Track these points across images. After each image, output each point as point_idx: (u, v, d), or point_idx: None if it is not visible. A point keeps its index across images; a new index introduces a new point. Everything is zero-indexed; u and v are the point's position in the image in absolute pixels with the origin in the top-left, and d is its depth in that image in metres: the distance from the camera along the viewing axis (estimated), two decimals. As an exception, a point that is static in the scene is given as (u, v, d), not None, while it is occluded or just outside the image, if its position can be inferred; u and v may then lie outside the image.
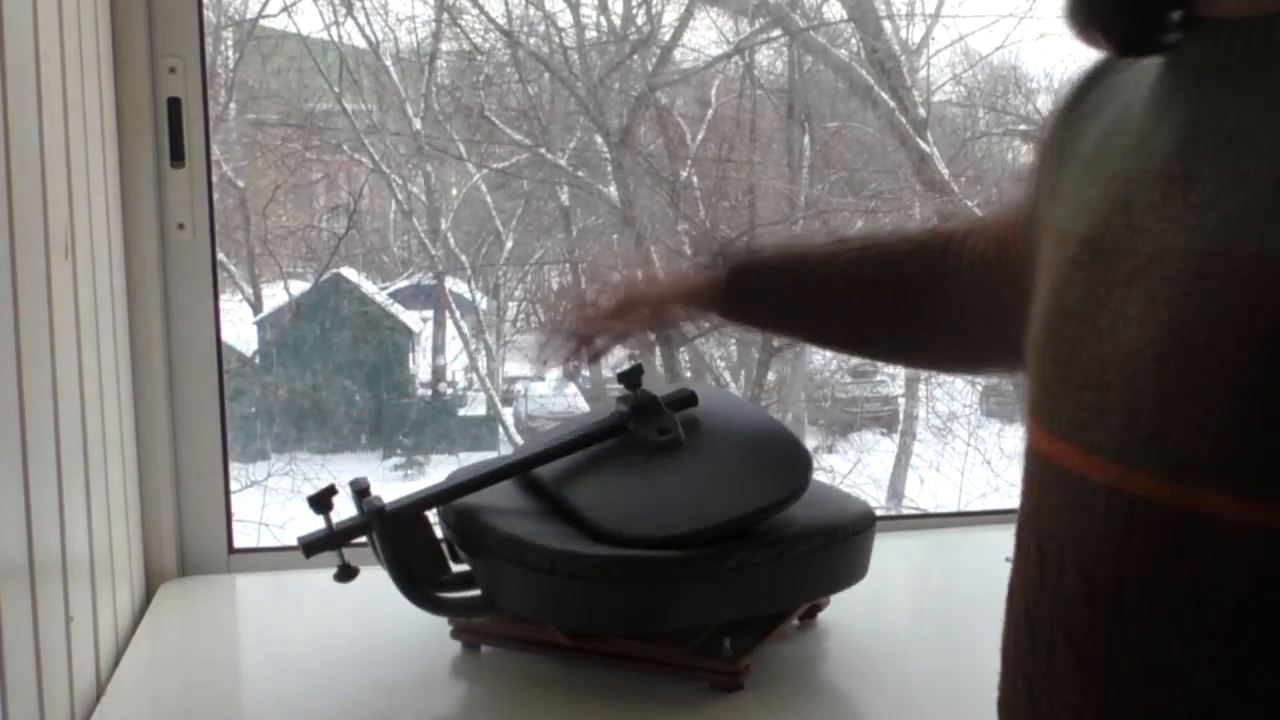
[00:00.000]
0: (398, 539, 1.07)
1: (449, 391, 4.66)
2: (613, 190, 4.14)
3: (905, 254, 0.99)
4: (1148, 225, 0.56)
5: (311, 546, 1.08)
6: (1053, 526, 0.59)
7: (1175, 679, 0.53)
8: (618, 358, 1.15)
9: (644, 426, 1.12)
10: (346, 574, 1.07)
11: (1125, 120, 0.62)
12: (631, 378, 1.16)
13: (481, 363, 4.53)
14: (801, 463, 1.06)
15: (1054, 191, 0.65)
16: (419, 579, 1.07)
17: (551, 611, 1.03)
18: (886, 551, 1.08)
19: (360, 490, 1.10)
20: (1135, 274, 0.56)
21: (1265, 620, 0.50)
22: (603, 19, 4.30)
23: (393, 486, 1.21)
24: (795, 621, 1.14)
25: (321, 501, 1.07)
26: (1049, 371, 0.61)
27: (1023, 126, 4.55)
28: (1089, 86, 0.68)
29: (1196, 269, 0.53)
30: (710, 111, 4.35)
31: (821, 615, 1.17)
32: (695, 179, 4.21)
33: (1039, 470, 0.61)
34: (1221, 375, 0.51)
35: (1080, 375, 0.58)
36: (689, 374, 4.25)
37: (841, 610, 1.17)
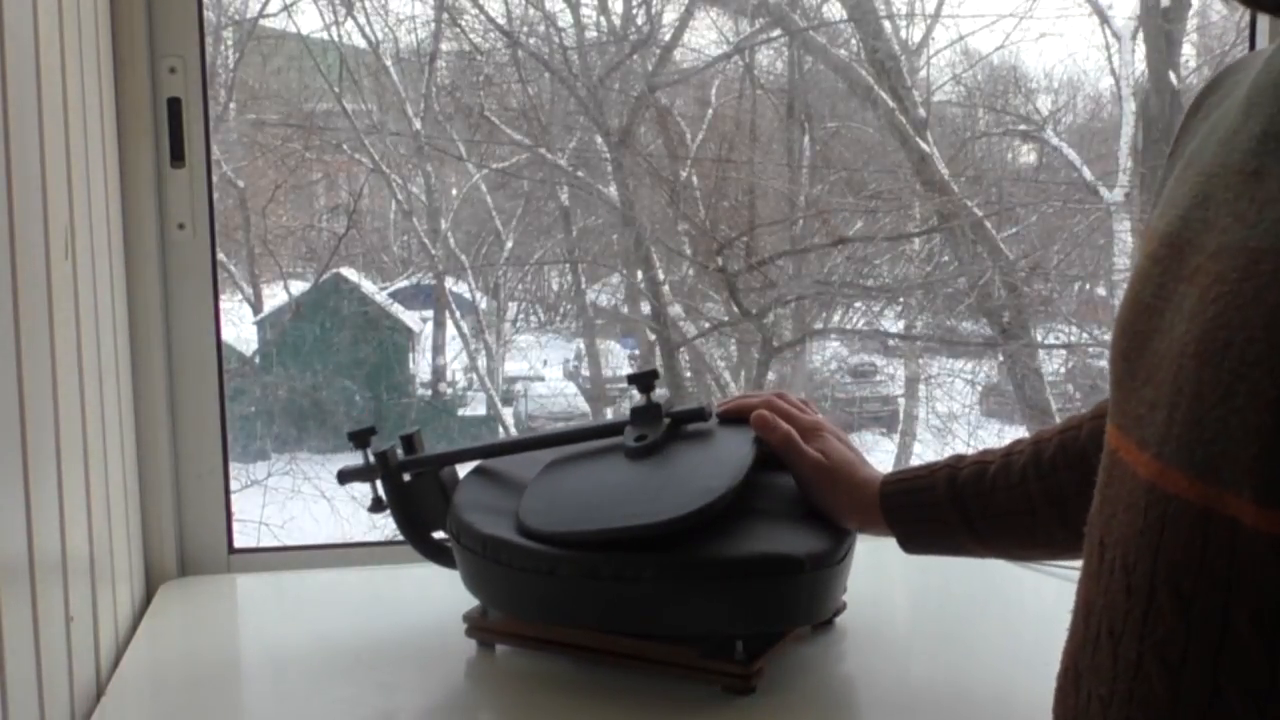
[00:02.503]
0: (403, 485, 1.17)
1: (449, 391, 4.66)
2: (613, 190, 4.14)
3: (1088, 435, 0.95)
4: (1218, 220, 0.55)
5: (344, 475, 1.19)
6: (1110, 521, 0.59)
7: (1193, 683, 0.52)
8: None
9: (633, 431, 1.13)
10: (377, 506, 1.18)
11: (1226, 115, 0.61)
12: (643, 381, 1.15)
13: (481, 363, 4.53)
14: (698, 495, 1.00)
15: (1160, 195, 0.65)
16: (421, 524, 1.17)
17: (480, 592, 1.09)
18: (894, 553, 1.08)
19: (406, 438, 1.18)
20: (1198, 269, 0.55)
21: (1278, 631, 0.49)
22: (603, 19, 4.30)
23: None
24: (812, 624, 1.13)
25: (360, 438, 1.18)
26: (1120, 367, 0.60)
27: (1023, 126, 4.55)
28: (1211, 90, 0.67)
29: (1245, 267, 0.52)
30: (710, 111, 4.35)
31: (839, 619, 1.17)
32: (695, 179, 4.22)
33: (1108, 464, 0.61)
34: (1250, 377, 0.50)
35: (1144, 371, 0.57)
36: (689, 374, 4.25)
37: (860, 614, 1.17)
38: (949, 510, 1.01)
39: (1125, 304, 0.61)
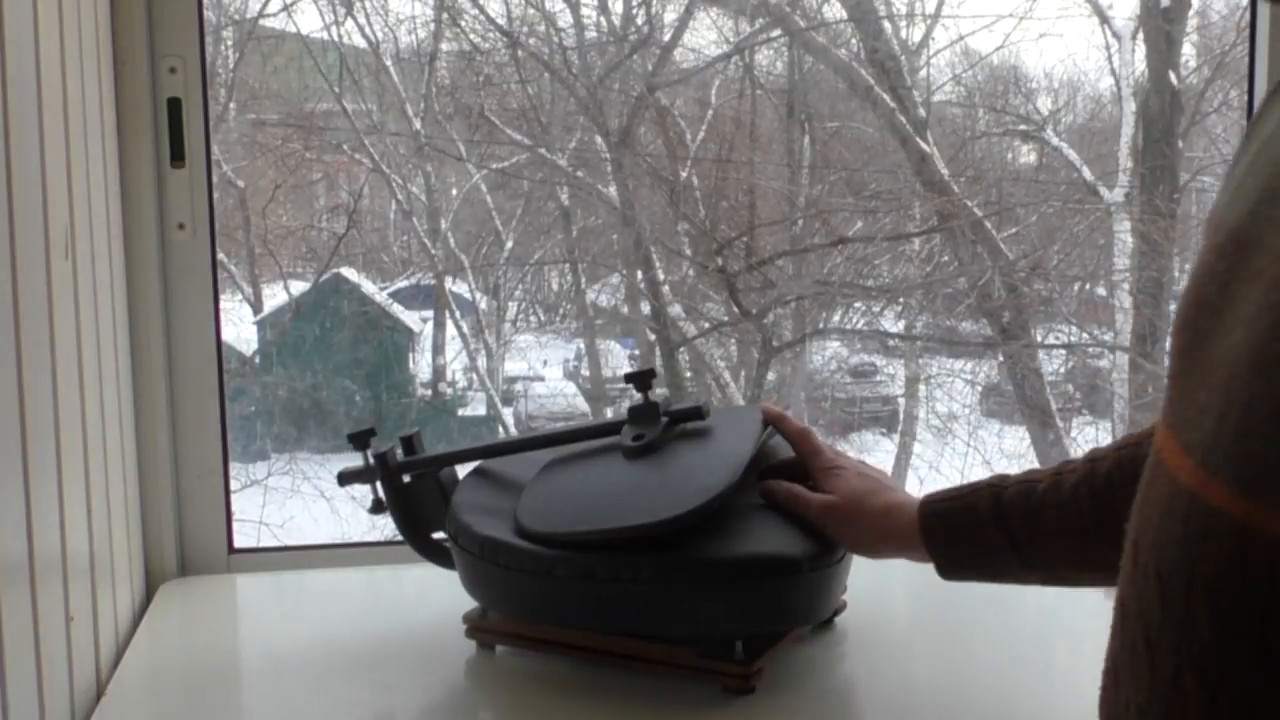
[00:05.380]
0: (402, 487, 1.17)
1: (449, 391, 4.66)
2: (613, 190, 4.14)
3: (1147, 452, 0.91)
4: None
5: (344, 477, 1.19)
6: (1147, 523, 0.57)
7: (1230, 705, 0.51)
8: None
9: (630, 430, 1.13)
10: (378, 508, 1.18)
11: None
12: (641, 380, 1.15)
13: (481, 363, 4.53)
14: (695, 494, 1.00)
15: (1229, 181, 0.61)
16: (420, 525, 1.17)
17: (479, 594, 1.09)
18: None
19: (406, 439, 1.18)
20: (1259, 271, 0.52)
21: None
22: (603, 19, 4.30)
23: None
24: (811, 625, 1.13)
25: (360, 440, 1.17)
26: (1176, 363, 0.58)
27: (1023, 126, 4.55)
28: None
29: None
30: (710, 111, 4.35)
31: (839, 618, 1.17)
32: (695, 179, 4.21)
33: (1152, 462, 0.58)
34: None
35: (1198, 372, 0.55)
36: (689, 374, 4.25)
37: (860, 614, 1.17)
38: (993, 531, 0.95)
39: (1187, 298, 0.59)
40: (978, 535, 0.96)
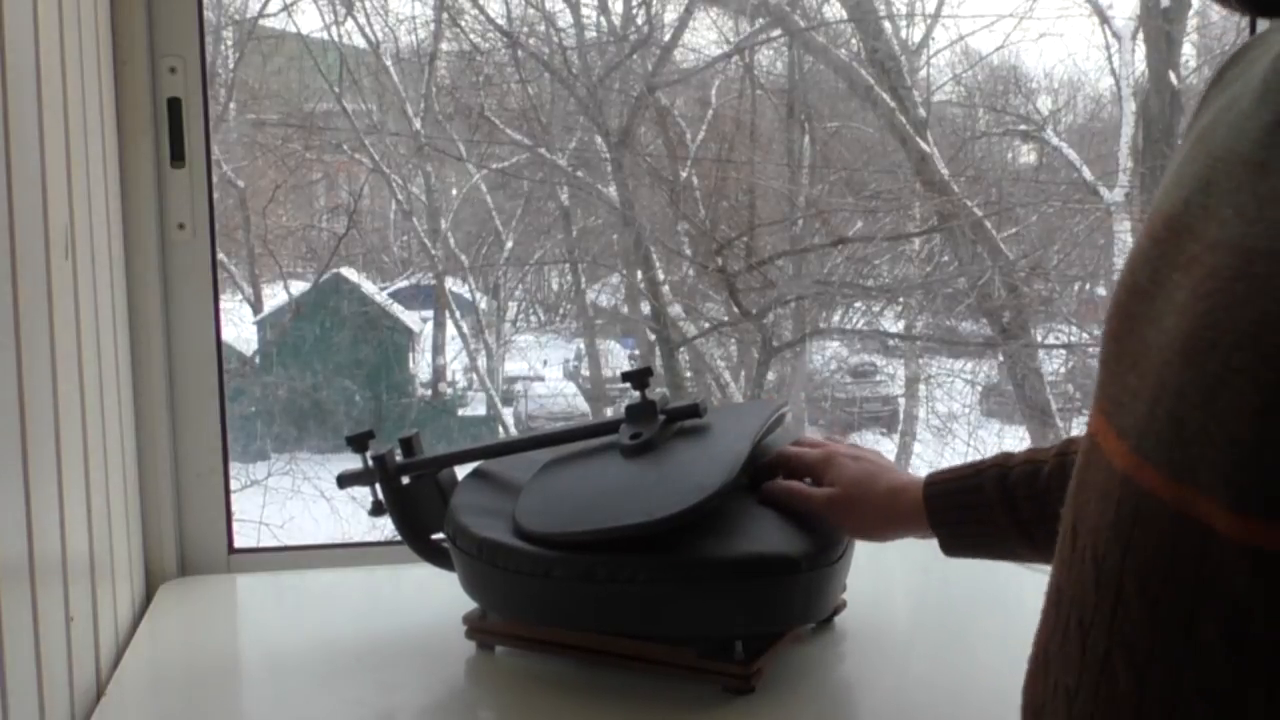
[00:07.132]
0: (401, 489, 1.17)
1: (449, 391, 4.66)
2: (613, 190, 4.14)
3: None
4: (1218, 210, 0.53)
5: (343, 480, 1.19)
6: (1084, 509, 0.57)
7: (1158, 685, 0.51)
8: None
9: (628, 429, 1.13)
10: (377, 510, 1.18)
11: (1242, 95, 0.57)
12: (639, 379, 1.14)
13: (481, 363, 4.54)
14: (691, 492, 0.99)
15: (1168, 171, 0.62)
16: (420, 527, 1.16)
17: (478, 595, 1.09)
18: (893, 552, 1.07)
19: (405, 441, 1.18)
20: (1193, 259, 0.53)
21: (1248, 643, 0.48)
22: (603, 19, 4.31)
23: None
24: (810, 624, 1.13)
25: (358, 442, 1.17)
26: (1108, 347, 0.59)
27: (1023, 126, 4.55)
28: (1235, 60, 0.63)
29: (1238, 266, 0.50)
30: (710, 111, 4.35)
31: (839, 618, 1.17)
32: (695, 179, 4.22)
33: (1087, 447, 0.59)
34: (1234, 383, 0.48)
35: (1130, 356, 0.56)
36: (689, 374, 4.26)
37: (860, 614, 1.16)
38: (999, 512, 0.96)
39: (1121, 283, 0.60)
40: (984, 516, 0.97)
